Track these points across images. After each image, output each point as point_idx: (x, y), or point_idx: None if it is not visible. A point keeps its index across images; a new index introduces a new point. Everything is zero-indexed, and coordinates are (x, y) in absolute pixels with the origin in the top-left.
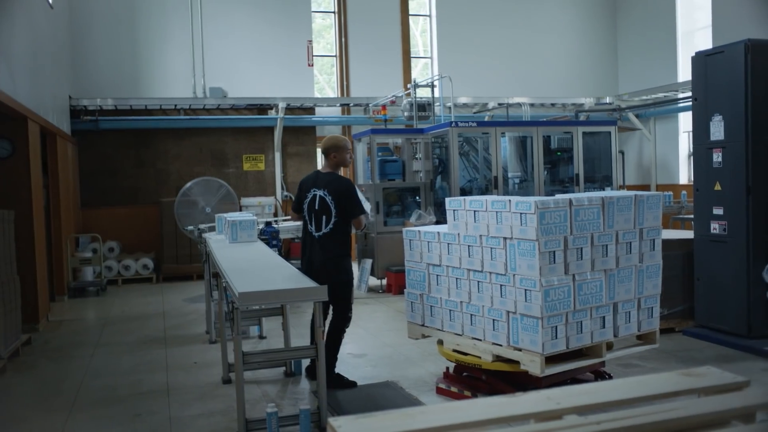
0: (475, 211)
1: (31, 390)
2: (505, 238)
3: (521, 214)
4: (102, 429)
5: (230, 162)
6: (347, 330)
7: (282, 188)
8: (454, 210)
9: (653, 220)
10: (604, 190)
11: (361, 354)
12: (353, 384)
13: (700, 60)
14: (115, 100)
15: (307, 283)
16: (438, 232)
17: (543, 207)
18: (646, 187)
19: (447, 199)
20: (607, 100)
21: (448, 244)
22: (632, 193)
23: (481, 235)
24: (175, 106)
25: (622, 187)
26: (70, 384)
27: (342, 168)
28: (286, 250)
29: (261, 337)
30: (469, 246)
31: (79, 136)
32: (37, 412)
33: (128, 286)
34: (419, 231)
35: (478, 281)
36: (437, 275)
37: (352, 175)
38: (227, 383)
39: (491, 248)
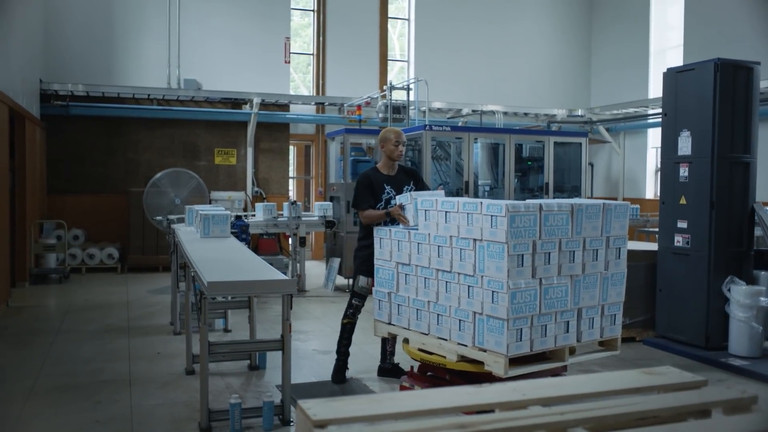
0: (446, 212)
1: None
2: (474, 240)
3: (492, 216)
4: (61, 416)
5: (202, 155)
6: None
7: (253, 184)
8: (425, 210)
9: (620, 229)
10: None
11: (327, 351)
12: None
13: (672, 76)
14: (87, 86)
15: (276, 275)
16: (408, 232)
17: (513, 210)
18: (613, 200)
19: (419, 199)
20: (579, 112)
21: (418, 243)
22: (601, 201)
23: (451, 236)
24: (149, 95)
25: (589, 198)
26: (28, 370)
27: (392, 159)
28: (254, 246)
29: (226, 330)
30: (438, 246)
31: (49, 121)
32: None
33: (92, 275)
34: (390, 230)
35: (447, 281)
36: (406, 274)
37: (323, 174)
38: (191, 374)
39: (461, 249)
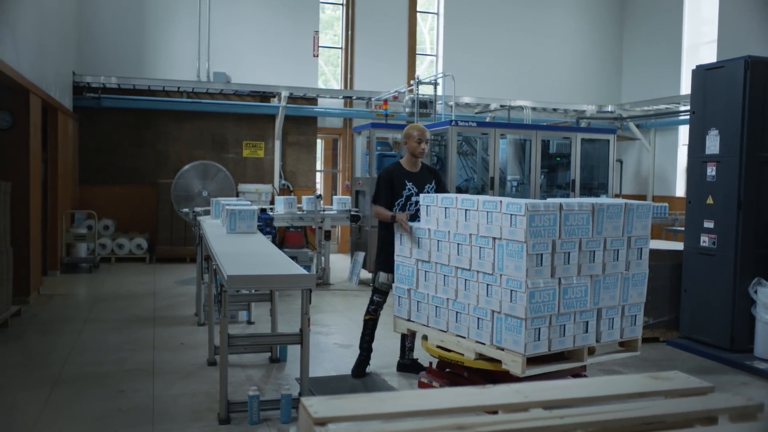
0: (466, 210)
1: (17, 361)
2: (494, 238)
3: (511, 215)
4: (85, 403)
5: (230, 147)
6: (368, 321)
7: (280, 176)
8: (445, 208)
9: (642, 229)
10: (599, 197)
11: (348, 345)
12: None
13: (701, 74)
14: (119, 78)
15: (296, 270)
16: (429, 229)
17: (533, 209)
18: (642, 197)
19: (439, 197)
20: (609, 108)
21: (438, 240)
22: (622, 201)
23: (470, 234)
24: (178, 88)
25: (617, 196)
26: (56, 357)
27: (414, 156)
28: (280, 239)
29: (249, 322)
30: (458, 244)
31: (81, 112)
32: (21, 382)
33: (121, 264)
34: (411, 226)
35: (466, 279)
36: (426, 271)
37: (350, 168)
38: (212, 365)
39: (480, 247)
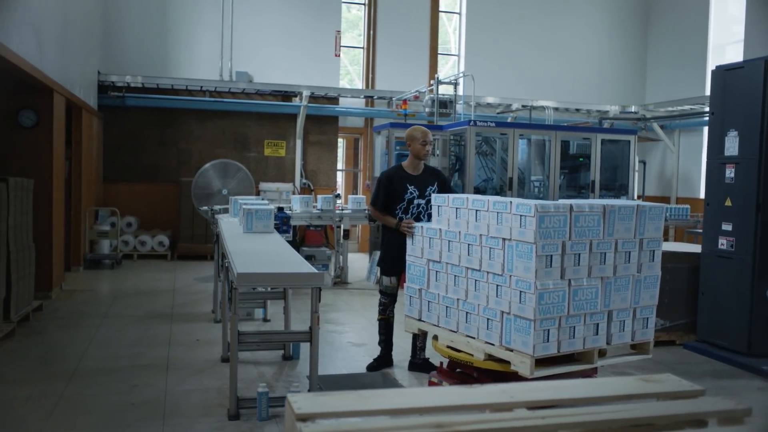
0: (476, 210)
1: (35, 354)
2: (504, 239)
3: (521, 216)
4: (98, 397)
5: (252, 146)
6: (383, 316)
7: (301, 175)
8: (456, 208)
9: (654, 231)
10: (619, 198)
11: (361, 343)
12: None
13: (720, 74)
14: (143, 77)
15: (305, 268)
16: (440, 229)
17: (543, 211)
18: (666, 199)
19: (450, 197)
20: (633, 108)
21: (449, 241)
22: (634, 202)
23: (481, 235)
24: (201, 87)
25: (640, 197)
26: (73, 352)
27: (418, 158)
28: (301, 238)
29: (265, 320)
30: (469, 244)
31: (106, 111)
32: (38, 375)
33: (143, 261)
34: (422, 227)
35: (476, 280)
36: (437, 271)
37: (371, 167)
38: (226, 362)
39: (490, 248)
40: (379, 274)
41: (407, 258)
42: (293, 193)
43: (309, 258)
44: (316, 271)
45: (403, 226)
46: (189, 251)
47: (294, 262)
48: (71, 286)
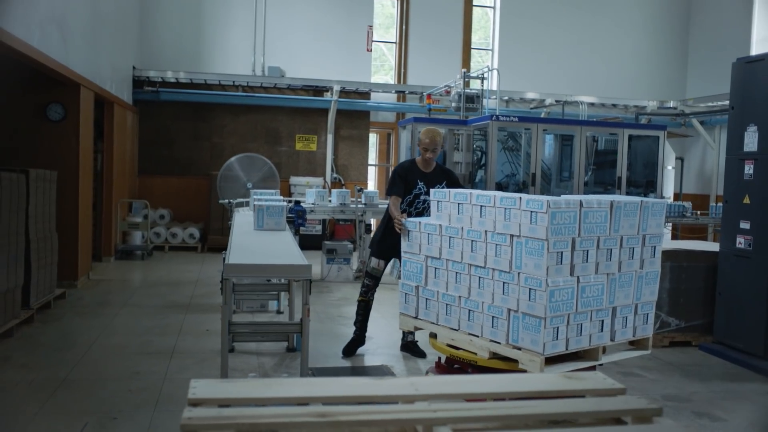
0: (481, 206)
1: (49, 341)
2: (512, 236)
3: (531, 212)
4: (99, 383)
5: (283, 140)
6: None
7: (332, 170)
8: (459, 203)
9: (656, 227)
10: (647, 195)
11: (369, 337)
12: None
13: (740, 67)
14: (177, 72)
15: (294, 260)
16: (440, 225)
17: (555, 207)
18: (705, 197)
19: (451, 192)
20: (671, 104)
21: (450, 237)
22: (639, 198)
23: (486, 231)
24: (234, 82)
25: (677, 195)
26: (85, 339)
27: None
28: (330, 232)
29: (278, 311)
30: (472, 241)
31: (141, 105)
32: (47, 361)
33: (174, 253)
34: (420, 222)
35: (480, 277)
36: (435, 268)
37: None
38: (231, 352)
39: (497, 245)
40: (369, 255)
41: (402, 255)
42: (323, 187)
43: (330, 252)
44: (306, 263)
45: (396, 224)
46: (218, 243)
47: (287, 255)
48: (99, 276)
